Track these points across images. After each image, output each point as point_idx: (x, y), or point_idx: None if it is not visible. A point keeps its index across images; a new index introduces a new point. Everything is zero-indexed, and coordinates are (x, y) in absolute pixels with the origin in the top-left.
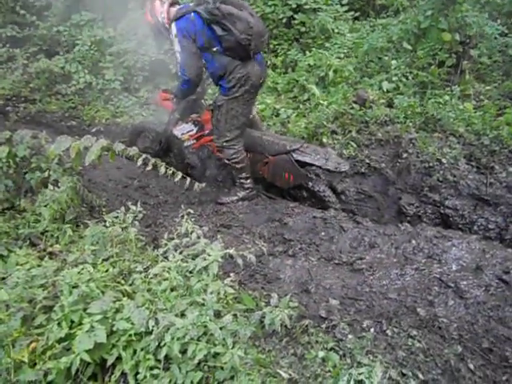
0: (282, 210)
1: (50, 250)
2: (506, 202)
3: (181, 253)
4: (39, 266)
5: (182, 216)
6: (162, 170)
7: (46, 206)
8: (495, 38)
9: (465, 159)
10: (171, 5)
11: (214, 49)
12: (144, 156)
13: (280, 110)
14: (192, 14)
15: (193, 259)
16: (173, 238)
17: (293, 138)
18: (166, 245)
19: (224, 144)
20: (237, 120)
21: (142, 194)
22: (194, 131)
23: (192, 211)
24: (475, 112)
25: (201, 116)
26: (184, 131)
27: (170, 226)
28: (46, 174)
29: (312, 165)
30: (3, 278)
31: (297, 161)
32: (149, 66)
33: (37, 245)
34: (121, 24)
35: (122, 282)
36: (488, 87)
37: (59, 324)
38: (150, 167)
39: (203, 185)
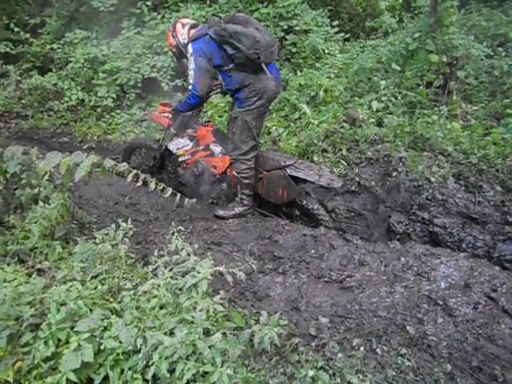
0: (273, 227)
1: (38, 266)
2: (493, 221)
3: (170, 270)
4: (27, 282)
5: (173, 233)
6: (152, 185)
7: (35, 222)
8: (481, 59)
9: (453, 178)
10: (192, 27)
11: (230, 66)
12: (134, 172)
13: (271, 129)
14: (207, 35)
15: (182, 276)
16: (163, 255)
17: (286, 154)
18: (155, 262)
19: (239, 157)
20: (251, 132)
21: (133, 210)
22: (190, 146)
23: (182, 228)
24: (463, 131)
25: (196, 131)
26: (179, 146)
27: (161, 243)
28: (37, 190)
29: (305, 180)
30: None
31: (291, 176)
32: (141, 83)
33: (25, 261)
34: (114, 42)
35: (111, 299)
36: (475, 107)
37: (46, 342)
38: (140, 183)
39: (194, 200)
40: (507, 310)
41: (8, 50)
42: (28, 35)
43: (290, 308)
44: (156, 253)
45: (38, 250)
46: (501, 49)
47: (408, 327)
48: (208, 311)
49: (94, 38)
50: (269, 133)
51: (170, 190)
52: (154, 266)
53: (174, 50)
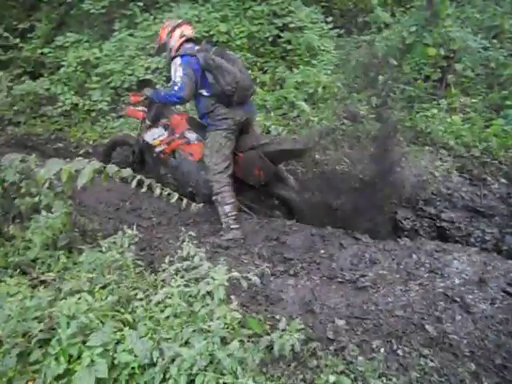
0: (279, 228)
1: (42, 278)
2: (500, 213)
3: (182, 277)
4: (32, 296)
5: (183, 239)
6: (157, 191)
7: (36, 232)
8: (478, 51)
9: (457, 172)
10: (187, 41)
11: (204, 92)
12: (138, 177)
13: (270, 127)
14: (196, 57)
15: (195, 283)
16: (173, 262)
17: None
18: (165, 269)
19: (213, 177)
20: (222, 153)
21: (135, 216)
22: (165, 135)
23: (193, 233)
24: (463, 125)
25: (170, 120)
26: (155, 136)
27: (166, 248)
28: (36, 199)
29: (281, 151)
30: None
31: (265, 153)
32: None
33: (28, 273)
34: (106, 44)
35: (122, 310)
36: (473, 100)
37: (57, 359)
38: (144, 189)
39: (200, 205)
40: None
41: None
42: (17, 40)
43: (304, 311)
44: (165, 259)
45: (40, 260)
46: (495, 40)
47: (427, 326)
48: (225, 318)
49: (86, 41)
50: (268, 132)
51: (176, 196)
52: (165, 274)
53: (160, 45)
